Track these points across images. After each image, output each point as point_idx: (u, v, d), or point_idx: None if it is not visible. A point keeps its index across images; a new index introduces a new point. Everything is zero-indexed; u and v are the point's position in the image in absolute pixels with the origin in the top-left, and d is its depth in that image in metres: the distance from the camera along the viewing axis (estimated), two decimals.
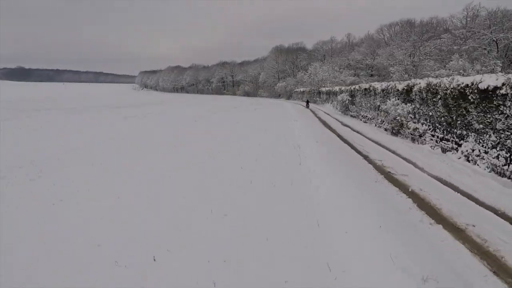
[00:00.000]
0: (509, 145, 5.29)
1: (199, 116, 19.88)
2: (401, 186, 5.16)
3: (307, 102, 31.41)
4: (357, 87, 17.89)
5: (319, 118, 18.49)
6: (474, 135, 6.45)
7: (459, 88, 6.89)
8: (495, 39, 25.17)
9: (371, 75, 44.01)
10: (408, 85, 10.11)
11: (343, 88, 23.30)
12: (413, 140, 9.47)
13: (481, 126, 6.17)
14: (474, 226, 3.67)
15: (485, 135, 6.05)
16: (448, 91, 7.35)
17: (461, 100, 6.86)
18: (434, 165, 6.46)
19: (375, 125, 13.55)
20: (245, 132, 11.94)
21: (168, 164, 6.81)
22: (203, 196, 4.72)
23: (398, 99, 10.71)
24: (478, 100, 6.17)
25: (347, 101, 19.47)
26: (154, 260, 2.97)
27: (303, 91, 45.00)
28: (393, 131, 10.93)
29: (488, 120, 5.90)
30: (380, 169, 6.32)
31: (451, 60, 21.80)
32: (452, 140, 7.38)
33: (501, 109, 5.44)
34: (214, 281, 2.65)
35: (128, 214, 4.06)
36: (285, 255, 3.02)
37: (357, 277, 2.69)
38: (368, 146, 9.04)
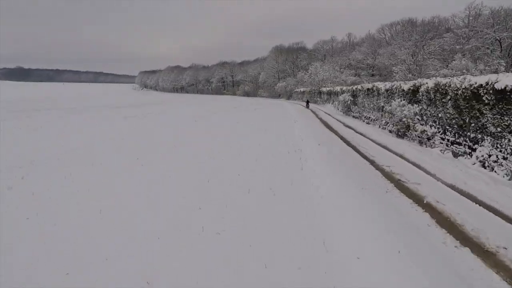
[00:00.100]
0: None
1: (199, 116, 19.88)
2: (414, 197, 4.68)
3: (307, 102, 31.41)
4: (359, 87, 17.51)
5: (320, 119, 18.12)
6: (490, 139, 5.95)
7: (471, 88, 6.43)
8: (498, 38, 25.02)
9: (372, 75, 43.97)
10: (414, 85, 9.71)
11: (344, 88, 22.99)
12: (420, 143, 9.02)
13: (498, 129, 5.71)
14: (506, 248, 3.16)
15: (502, 139, 5.60)
16: (460, 91, 6.89)
17: (474, 101, 6.41)
18: (447, 171, 5.99)
19: (379, 127, 13.08)
20: (245, 132, 11.94)
21: (168, 164, 6.80)
22: (203, 196, 4.72)
23: (404, 99, 10.29)
24: (494, 101, 5.73)
25: (349, 102, 19.15)
26: (154, 260, 2.96)
27: (303, 91, 44.95)
28: (399, 133, 10.45)
29: (506, 123, 5.47)
30: (389, 176, 5.84)
31: (454, 60, 21.70)
32: (465, 144, 6.87)
33: None
34: (214, 281, 2.65)
35: (128, 214, 4.06)
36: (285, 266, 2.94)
37: None
38: (373, 149, 8.60)
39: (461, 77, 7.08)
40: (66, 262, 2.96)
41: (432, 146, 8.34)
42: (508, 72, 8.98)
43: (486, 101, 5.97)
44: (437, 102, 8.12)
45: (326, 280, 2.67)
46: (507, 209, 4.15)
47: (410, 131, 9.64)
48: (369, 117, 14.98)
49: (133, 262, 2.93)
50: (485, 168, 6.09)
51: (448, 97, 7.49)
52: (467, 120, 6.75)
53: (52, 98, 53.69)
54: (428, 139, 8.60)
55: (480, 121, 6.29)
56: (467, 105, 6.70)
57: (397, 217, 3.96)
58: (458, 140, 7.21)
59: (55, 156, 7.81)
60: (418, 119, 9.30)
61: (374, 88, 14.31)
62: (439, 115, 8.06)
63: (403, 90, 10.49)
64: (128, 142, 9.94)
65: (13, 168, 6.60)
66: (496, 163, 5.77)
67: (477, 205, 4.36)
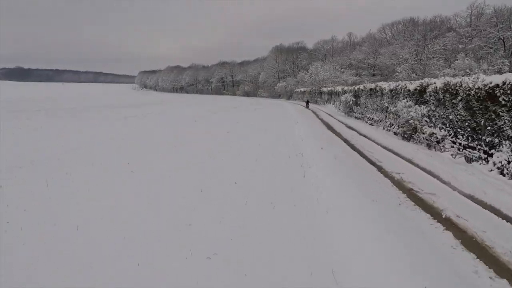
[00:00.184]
0: None
1: (199, 116, 19.89)
2: (431, 211, 4.16)
3: (307, 102, 31.52)
4: (361, 87, 17.11)
5: (322, 120, 17.76)
6: (509, 144, 5.49)
7: (486, 88, 5.93)
8: (502, 38, 24.87)
9: (373, 75, 43.96)
10: (421, 85, 9.24)
11: (346, 88, 22.62)
12: (429, 146, 8.45)
13: None
14: None
15: None
16: (472, 92, 6.38)
17: (488, 102, 5.94)
18: (462, 179, 5.47)
19: (383, 128, 12.49)
20: (245, 132, 11.94)
21: (168, 164, 6.80)
22: (203, 196, 4.72)
23: (410, 100, 9.83)
24: None
25: (351, 102, 18.78)
26: (154, 260, 2.96)
27: (304, 91, 44.91)
28: (405, 135, 9.93)
29: None
30: (400, 185, 5.29)
31: (456, 59, 21.57)
32: (480, 149, 6.33)
33: None
34: (214, 281, 2.65)
35: (128, 214, 4.06)
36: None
37: None
38: (380, 153, 8.10)
39: (473, 76, 6.68)
40: (66, 262, 2.96)
41: (442, 150, 7.80)
42: None
43: (503, 102, 5.51)
44: (447, 103, 7.65)
45: None
46: None
47: (417, 133, 9.11)
48: (372, 118, 14.46)
49: (133, 262, 2.93)
50: (503, 175, 5.51)
51: (459, 97, 6.98)
52: (482, 123, 6.22)
53: (52, 98, 53.70)
54: (438, 142, 8.05)
55: (496, 123, 5.78)
56: (481, 107, 6.21)
57: (416, 238, 3.38)
58: (471, 144, 6.67)
59: (55, 156, 7.81)
60: (426, 121, 8.77)
61: (378, 88, 13.82)
62: (450, 117, 7.51)
63: (409, 90, 10.05)
64: (128, 142, 9.94)
65: (13, 168, 6.60)
66: None
67: (504, 220, 3.81)
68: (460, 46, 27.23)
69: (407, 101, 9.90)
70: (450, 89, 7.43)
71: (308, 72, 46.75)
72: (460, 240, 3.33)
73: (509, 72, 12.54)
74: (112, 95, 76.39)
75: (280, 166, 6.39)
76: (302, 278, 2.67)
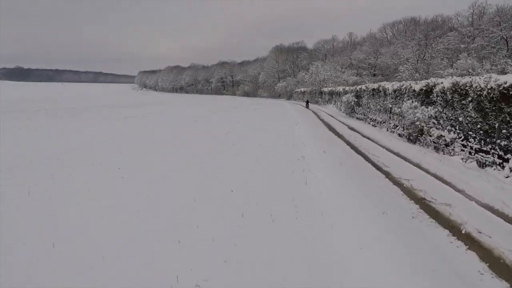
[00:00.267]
0: None
1: (199, 116, 19.89)
2: (449, 225, 3.76)
3: (307, 102, 31.60)
4: (363, 87, 16.79)
5: (323, 121, 17.41)
6: None
7: (500, 88, 5.58)
8: (505, 37, 24.65)
9: (374, 75, 43.94)
10: (427, 85, 8.86)
11: (347, 88, 22.24)
12: (436, 149, 8.04)
13: None
14: None
15: None
16: (485, 92, 6.03)
17: (503, 104, 5.59)
18: (477, 187, 5.07)
19: (387, 130, 12.01)
20: (245, 132, 11.94)
21: (168, 164, 6.80)
22: (203, 196, 4.72)
23: (415, 101, 9.45)
24: None
25: (352, 102, 18.42)
26: (154, 260, 2.96)
27: (304, 92, 44.85)
28: (410, 137, 9.50)
29: None
30: (411, 194, 4.87)
31: (459, 59, 21.42)
32: (494, 153, 5.93)
33: None
34: (214, 281, 2.65)
35: (128, 214, 4.06)
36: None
37: None
38: (385, 157, 7.62)
39: (485, 76, 6.40)
40: (66, 262, 2.96)
41: (451, 154, 7.36)
42: None
43: None
44: (455, 104, 7.27)
45: None
46: None
47: (423, 135, 8.68)
48: (375, 119, 13.97)
49: (133, 262, 2.93)
50: None
51: (469, 98, 6.60)
52: (496, 126, 5.86)
53: (52, 98, 53.71)
54: (446, 145, 7.62)
55: None
56: (494, 108, 5.85)
57: (438, 261, 2.96)
58: (484, 148, 6.25)
59: (55, 156, 7.81)
60: (433, 122, 8.36)
61: (381, 88, 13.42)
62: (460, 119, 7.11)
63: (414, 90, 9.67)
64: (128, 142, 9.94)
65: (13, 168, 6.60)
66: None
67: None
68: (462, 45, 27.09)
69: (412, 101, 9.52)
70: (459, 90, 7.05)
71: (309, 72, 46.72)
72: (487, 263, 2.90)
73: None
74: (112, 95, 76.41)
75: (280, 172, 6.09)
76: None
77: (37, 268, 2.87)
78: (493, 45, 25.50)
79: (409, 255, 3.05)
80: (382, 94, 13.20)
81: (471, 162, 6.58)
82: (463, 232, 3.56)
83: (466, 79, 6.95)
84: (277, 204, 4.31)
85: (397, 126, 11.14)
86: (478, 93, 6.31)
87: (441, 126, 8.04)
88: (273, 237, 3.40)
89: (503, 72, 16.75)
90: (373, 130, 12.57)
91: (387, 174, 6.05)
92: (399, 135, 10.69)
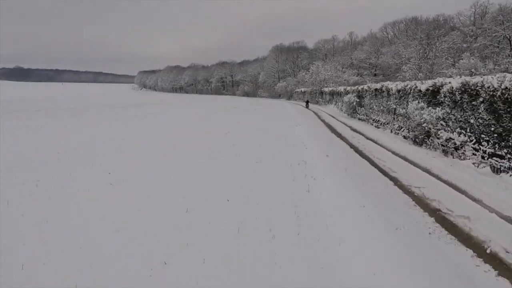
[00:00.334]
0: None
1: (199, 116, 19.90)
2: (471, 243, 3.33)
3: (307, 102, 31.70)
4: (366, 87, 16.41)
5: (324, 121, 17.03)
6: None
7: None
8: (508, 36, 24.40)
9: (375, 75, 43.90)
10: (434, 85, 8.50)
11: (348, 88, 21.88)
12: (445, 152, 7.65)
13: None
14: None
15: None
16: (498, 92, 5.70)
17: None
18: (495, 196, 4.69)
19: (391, 131, 11.60)
20: (245, 132, 11.95)
21: (168, 164, 6.81)
22: (203, 196, 4.72)
23: (421, 101, 9.05)
24: None
25: (354, 103, 18.03)
26: (154, 260, 2.96)
27: (304, 92, 44.76)
28: (416, 140, 9.11)
29: None
30: (423, 205, 4.44)
31: (461, 59, 21.21)
32: (510, 158, 5.62)
33: None
34: (214, 281, 2.65)
35: (128, 214, 4.06)
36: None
37: None
38: (392, 161, 7.20)
39: (498, 75, 6.11)
40: (66, 262, 2.97)
41: (462, 157, 6.94)
42: None
43: None
44: (465, 105, 6.91)
45: None
46: None
47: (431, 138, 8.28)
48: (378, 120, 13.58)
49: (133, 262, 2.93)
50: None
51: (481, 99, 6.25)
52: (511, 128, 5.55)
53: (52, 98, 53.70)
54: (456, 148, 7.20)
55: None
56: (509, 109, 5.54)
57: None
58: (498, 152, 5.89)
59: (55, 156, 7.81)
60: (442, 124, 7.95)
61: (384, 89, 13.00)
62: (471, 121, 6.70)
63: (420, 90, 9.28)
64: (128, 142, 9.94)
65: (13, 168, 6.60)
66: None
67: None
68: (464, 45, 26.92)
69: (418, 102, 9.11)
70: (470, 90, 6.68)
71: (309, 71, 46.64)
72: None
73: None
74: (112, 95, 76.41)
75: (280, 177, 5.80)
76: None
77: (37, 268, 2.87)
78: (496, 45, 25.29)
79: (434, 284, 2.65)
80: (386, 95, 12.84)
81: (484, 167, 6.15)
82: (488, 252, 3.15)
83: (477, 79, 6.58)
84: (277, 217, 3.90)
85: (401, 127, 10.74)
86: (491, 93, 5.92)
87: (450, 128, 7.64)
88: (272, 256, 3.01)
89: (507, 71, 16.58)
90: (377, 132, 12.20)
91: (395, 181, 5.62)
92: (404, 137, 10.29)
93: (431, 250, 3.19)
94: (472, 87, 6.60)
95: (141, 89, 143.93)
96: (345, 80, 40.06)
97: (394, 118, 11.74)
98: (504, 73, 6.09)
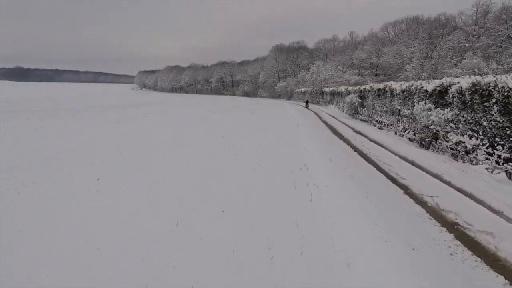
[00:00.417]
0: None
1: (199, 116, 19.90)
2: (499, 265, 3.00)
3: (307, 102, 31.86)
4: (368, 87, 16.21)
5: (325, 122, 16.60)
6: None
7: None
8: (511, 36, 24.20)
9: (376, 75, 43.82)
10: (441, 85, 8.20)
11: (350, 88, 21.66)
12: (454, 156, 7.27)
13: None
14: None
15: None
16: None
17: None
18: None
19: (395, 133, 11.21)
20: (245, 132, 11.95)
21: (168, 164, 6.81)
22: (203, 196, 4.72)
23: (428, 102, 8.74)
24: None
25: (356, 103, 17.83)
26: (154, 260, 2.96)
27: (305, 92, 44.66)
28: (423, 142, 8.75)
29: None
30: (439, 217, 4.06)
31: (464, 58, 21.02)
32: None
33: None
34: (214, 281, 2.65)
35: (128, 214, 4.06)
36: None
37: None
38: (399, 166, 6.80)
39: None
40: (66, 262, 2.97)
41: (474, 162, 6.56)
42: None
43: None
44: (475, 106, 6.61)
45: None
46: None
47: (439, 141, 7.93)
48: (382, 122, 13.17)
49: (133, 262, 2.93)
50: None
51: (493, 100, 5.93)
52: None
53: (52, 98, 53.66)
54: (467, 152, 6.85)
55: None
56: None
57: None
58: None
59: (55, 156, 7.81)
60: (451, 127, 7.67)
61: (387, 89, 12.71)
62: (483, 123, 6.36)
63: (426, 91, 8.98)
64: (128, 142, 9.94)
65: (13, 168, 6.60)
66: None
67: None
68: (467, 44, 26.70)
69: (425, 103, 8.78)
70: (481, 90, 6.34)
71: (309, 71, 46.52)
72: None
73: None
74: (112, 95, 76.37)
75: (281, 181, 5.54)
76: None
77: (37, 268, 2.87)
78: (499, 44, 25.07)
79: None
80: (389, 95, 12.57)
81: (499, 173, 5.77)
82: None
83: (489, 78, 6.27)
84: (277, 232, 3.53)
85: (406, 129, 10.36)
86: (506, 93, 5.58)
87: (460, 130, 7.30)
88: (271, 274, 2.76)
89: (511, 71, 16.39)
90: (380, 133, 11.81)
91: (405, 189, 5.23)
92: (410, 139, 9.86)
93: (456, 277, 2.80)
94: (484, 87, 6.26)
95: (140, 89, 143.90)
96: (346, 80, 39.97)
97: (398, 120, 11.42)
98: None
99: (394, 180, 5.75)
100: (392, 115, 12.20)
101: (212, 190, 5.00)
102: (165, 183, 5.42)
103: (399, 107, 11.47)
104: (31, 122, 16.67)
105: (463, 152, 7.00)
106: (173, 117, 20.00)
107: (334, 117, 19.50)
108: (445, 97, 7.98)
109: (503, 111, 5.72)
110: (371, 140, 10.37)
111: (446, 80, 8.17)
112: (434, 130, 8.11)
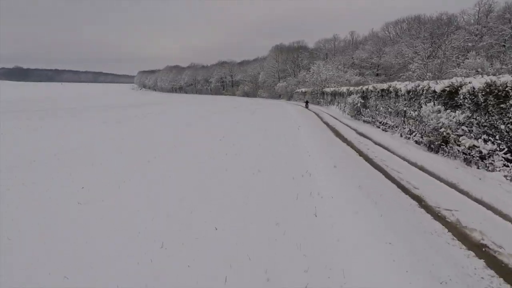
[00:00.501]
0: None
1: (199, 116, 19.90)
2: None
3: (306, 102, 31.99)
4: (370, 87, 15.88)
5: (327, 124, 15.82)
6: None
7: None
8: None
9: (377, 75, 43.73)
10: (451, 85, 7.81)
11: (351, 88, 21.38)
12: (467, 162, 6.74)
13: None
14: None
15: None
16: None
17: None
18: None
19: (401, 136, 10.67)
20: (245, 132, 11.95)
21: (168, 164, 6.81)
22: (203, 196, 4.72)
23: (437, 103, 8.32)
24: None
25: (358, 104, 17.51)
26: (154, 260, 2.96)
27: (305, 92, 44.54)
28: (431, 146, 8.20)
29: None
30: (463, 238, 3.53)
31: (467, 58, 20.86)
32: None
33: None
34: (214, 281, 2.65)
35: (128, 214, 4.06)
36: None
37: None
38: (409, 172, 6.24)
39: None
40: (66, 262, 2.97)
41: (490, 168, 6.05)
42: None
43: None
44: (490, 108, 6.16)
45: None
46: None
47: (449, 144, 7.43)
48: (386, 123, 12.59)
49: (133, 262, 2.93)
50: None
51: (511, 101, 5.65)
52: None
53: (52, 98, 53.66)
54: (482, 158, 6.36)
55: None
56: None
57: None
58: None
59: (55, 156, 7.81)
60: (463, 130, 7.23)
61: (391, 89, 12.28)
62: (501, 126, 5.88)
63: (434, 91, 8.54)
64: (128, 142, 9.94)
65: (13, 168, 6.60)
66: None
67: None
68: (469, 44, 26.54)
69: (434, 104, 8.32)
70: (496, 90, 5.92)
71: (310, 71, 46.28)
72: None
73: None
74: (112, 95, 76.37)
75: (281, 187, 5.16)
76: None
77: (37, 268, 2.87)
78: (503, 44, 24.86)
79: None
80: (393, 95, 12.04)
81: None
82: None
83: (506, 78, 5.89)
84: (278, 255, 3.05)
85: (413, 132, 9.88)
86: None
87: (473, 134, 6.87)
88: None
89: None
90: (385, 136, 11.21)
91: (420, 201, 4.65)
92: (417, 142, 9.32)
93: None
94: (500, 87, 5.79)
95: (140, 89, 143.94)
96: (346, 80, 39.83)
97: (404, 121, 10.90)
98: None
99: (406, 190, 5.18)
100: (397, 116, 11.75)
101: (212, 190, 5.00)
102: (165, 183, 5.42)
103: (404, 108, 11.03)
104: (31, 122, 16.67)
105: (477, 158, 6.46)
106: (173, 117, 20.00)
107: (336, 118, 19.08)
108: (455, 98, 7.55)
109: None
110: (376, 143, 9.85)
111: (456, 80, 7.77)
112: (444, 133, 7.63)
